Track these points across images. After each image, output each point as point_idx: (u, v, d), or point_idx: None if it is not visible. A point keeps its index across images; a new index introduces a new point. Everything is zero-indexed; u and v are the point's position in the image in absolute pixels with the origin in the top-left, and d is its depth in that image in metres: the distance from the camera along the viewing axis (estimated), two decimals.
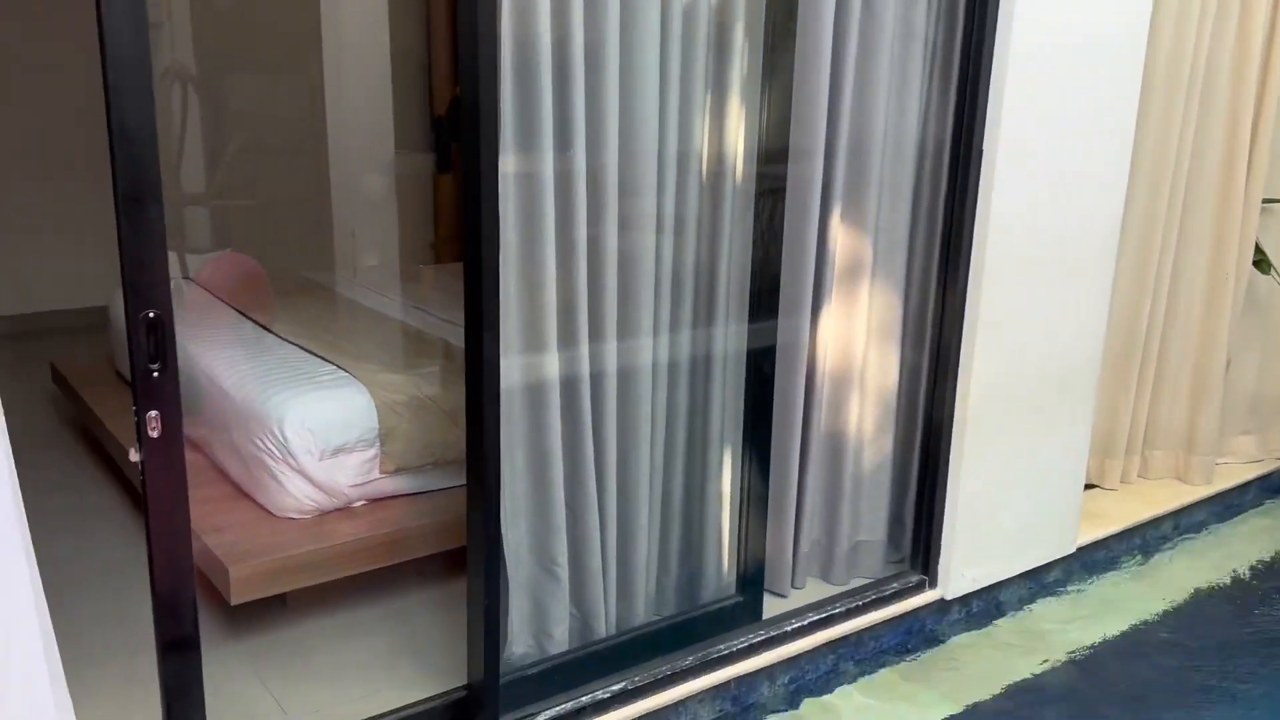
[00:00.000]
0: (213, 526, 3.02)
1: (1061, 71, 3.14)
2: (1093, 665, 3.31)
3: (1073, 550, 3.72)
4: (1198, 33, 3.76)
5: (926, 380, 3.31)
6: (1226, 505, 4.38)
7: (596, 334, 2.60)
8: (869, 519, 3.36)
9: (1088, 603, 3.68)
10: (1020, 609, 3.61)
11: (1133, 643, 3.45)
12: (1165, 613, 3.64)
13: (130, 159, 1.79)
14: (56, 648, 1.83)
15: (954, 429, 3.26)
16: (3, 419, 1.71)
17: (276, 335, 3.74)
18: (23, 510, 1.69)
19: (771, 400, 2.97)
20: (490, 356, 2.30)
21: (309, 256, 5.07)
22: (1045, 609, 3.63)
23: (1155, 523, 4.09)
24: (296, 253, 5.12)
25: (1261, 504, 4.54)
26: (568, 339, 2.54)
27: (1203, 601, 3.74)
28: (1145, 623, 3.57)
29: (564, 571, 2.69)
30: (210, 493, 3.25)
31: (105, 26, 1.74)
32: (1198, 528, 4.26)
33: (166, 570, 2.01)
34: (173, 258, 4.92)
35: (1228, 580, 3.89)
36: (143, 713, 2.35)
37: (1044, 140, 3.15)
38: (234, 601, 2.81)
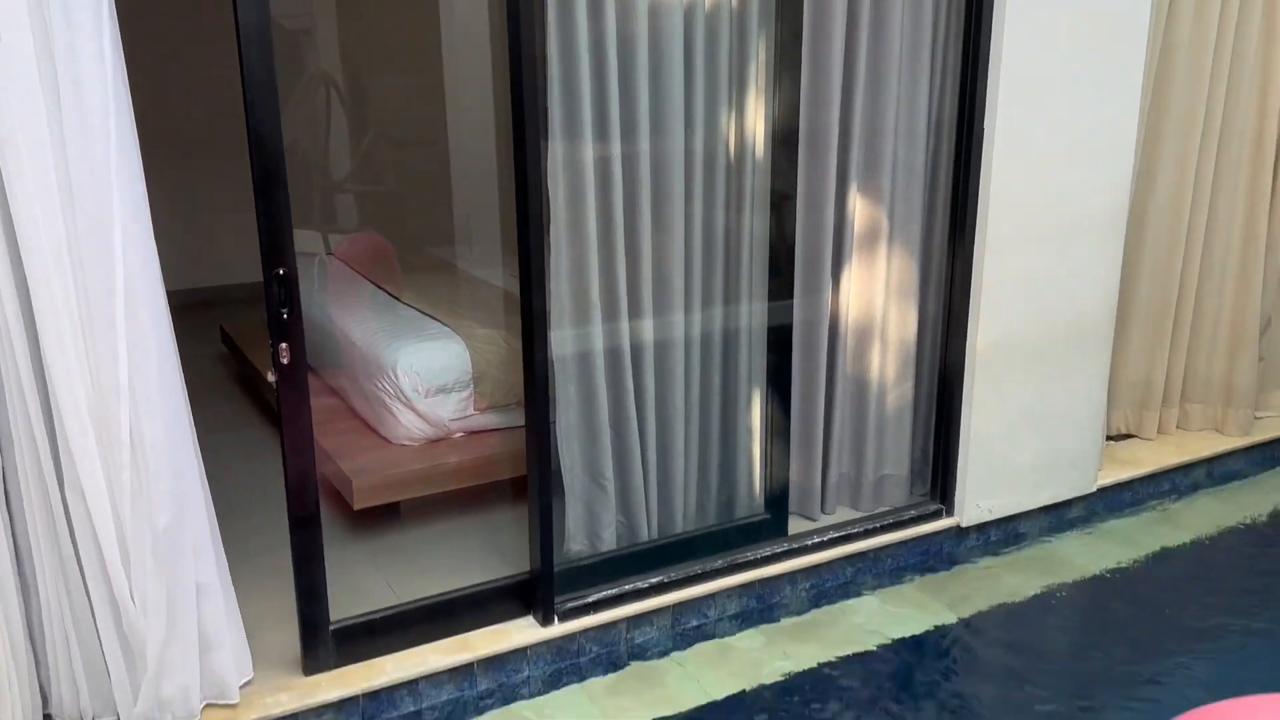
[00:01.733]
0: (343, 452, 3.77)
1: (1060, 44, 3.52)
2: (1101, 587, 3.70)
3: (1093, 490, 4.09)
4: None
5: (940, 332, 3.76)
6: (1267, 456, 4.61)
7: (634, 286, 3.18)
8: (893, 455, 3.84)
9: (1106, 537, 4.05)
10: (1039, 539, 4.01)
11: (1145, 572, 3.81)
12: (1183, 546, 3.97)
13: (263, 154, 2.48)
14: (221, 543, 2.57)
15: (965, 376, 3.71)
16: (178, 364, 2.44)
17: (400, 300, 4.48)
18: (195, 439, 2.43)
19: (790, 347, 3.49)
20: (538, 305, 2.93)
21: (432, 234, 5.82)
22: (1063, 541, 4.02)
23: (1186, 469, 4.38)
24: (422, 231, 5.90)
25: None
26: (609, 290, 3.14)
27: (1225, 539, 4.04)
28: (1161, 554, 3.91)
29: (610, 485, 3.30)
30: (342, 427, 4.01)
31: (242, 50, 2.41)
32: (1233, 476, 4.52)
33: (296, 465, 2.72)
34: (318, 237, 5.78)
35: (1256, 522, 4.16)
36: (284, 584, 3.07)
37: (1042, 114, 3.54)
38: (356, 506, 3.55)
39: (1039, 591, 3.65)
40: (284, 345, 2.57)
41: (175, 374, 2.47)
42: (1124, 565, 3.82)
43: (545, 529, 3.11)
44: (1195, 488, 4.41)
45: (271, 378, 2.60)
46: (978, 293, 3.62)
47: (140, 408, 2.39)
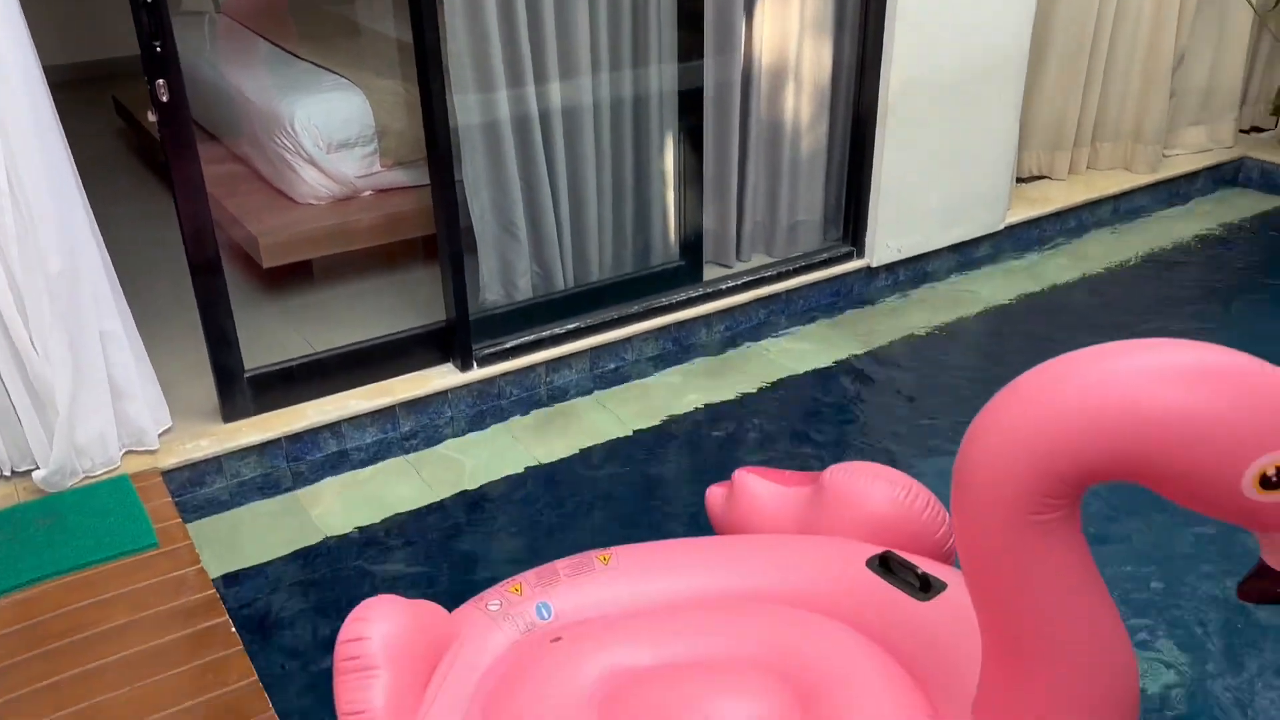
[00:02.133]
0: (250, 214, 3.68)
1: None
2: (1003, 317, 3.84)
3: (1001, 228, 4.18)
4: None
5: (854, 74, 3.70)
6: (1173, 193, 4.73)
7: (537, 48, 3.06)
8: (807, 200, 3.86)
9: (1011, 273, 4.17)
10: (947, 278, 4.13)
11: (1044, 303, 3.95)
12: (1087, 276, 4.11)
13: None
14: (122, 295, 2.52)
15: (878, 117, 3.68)
16: (55, 114, 2.32)
17: (295, 55, 4.26)
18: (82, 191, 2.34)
19: (702, 92, 3.42)
20: (431, 43, 2.80)
21: None
22: (970, 278, 4.14)
23: (1093, 207, 4.48)
24: None
25: (1212, 192, 4.86)
26: (511, 45, 3.02)
27: (1128, 269, 4.19)
28: (1065, 284, 4.05)
29: (523, 234, 3.29)
30: (248, 189, 3.89)
31: None
32: (1138, 213, 4.64)
33: (189, 209, 2.65)
34: None
35: (1157, 252, 4.30)
36: (198, 340, 3.05)
37: None
38: (266, 265, 3.51)
39: (943, 324, 3.78)
40: (160, 82, 2.44)
41: (52, 121, 2.35)
42: (1025, 298, 3.96)
43: (458, 278, 3.11)
44: (1101, 224, 4.53)
45: (152, 117, 2.49)
46: (891, 31, 3.55)
47: (17, 156, 2.29)
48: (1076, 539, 1.39)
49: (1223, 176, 4.88)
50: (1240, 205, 4.73)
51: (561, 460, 3.03)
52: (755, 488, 2.14)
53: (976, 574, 1.45)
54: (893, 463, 2.87)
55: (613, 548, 2.04)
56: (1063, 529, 1.36)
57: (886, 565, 1.86)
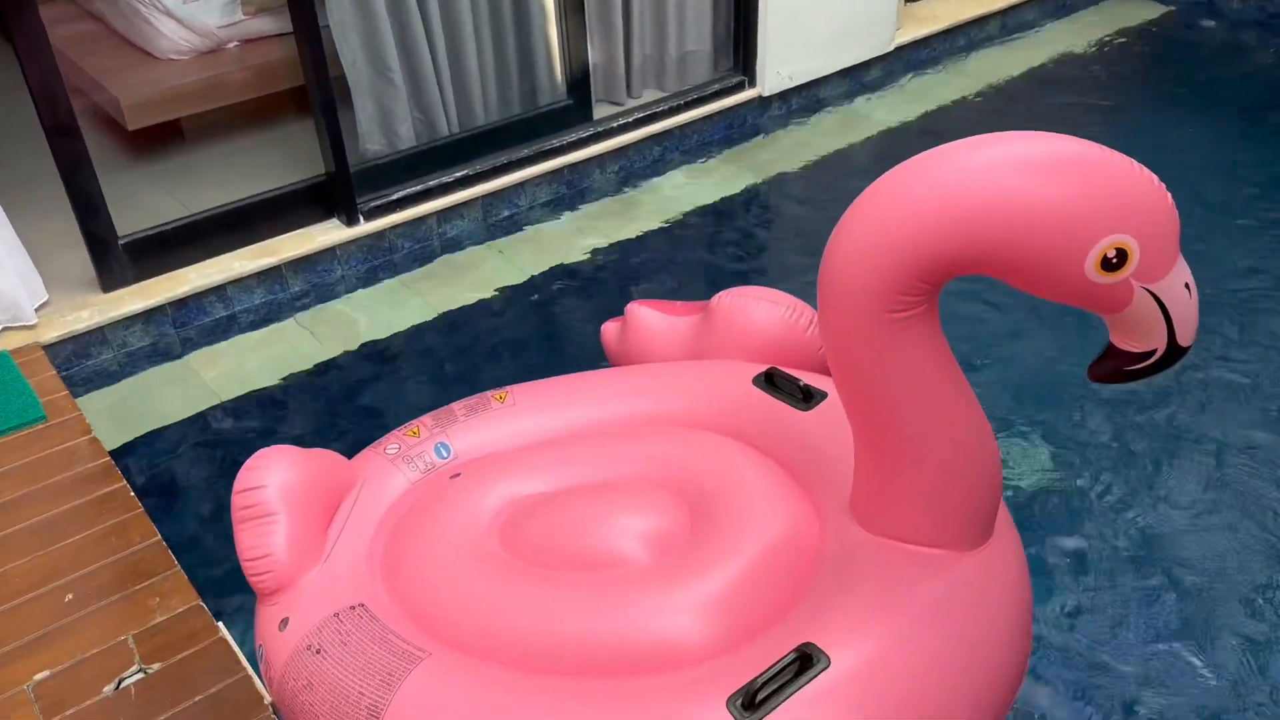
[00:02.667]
0: (109, 73, 3.46)
1: None
2: (896, 139, 3.86)
3: (890, 49, 4.15)
4: None
5: None
6: (1060, 5, 4.73)
7: None
8: (695, 31, 3.77)
9: (902, 95, 4.17)
10: (840, 104, 4.11)
11: (940, 120, 3.97)
12: (979, 93, 4.13)
13: None
14: None
15: None
16: None
17: None
18: None
19: None
20: None
21: None
22: (863, 102, 4.13)
23: (981, 23, 4.47)
24: None
25: (1097, 2, 4.87)
26: None
27: (1019, 83, 4.21)
28: (956, 103, 4.06)
29: (399, 78, 3.16)
30: (104, 48, 3.65)
31: None
32: (1028, 26, 4.64)
33: (35, 69, 2.49)
34: None
35: (1046, 64, 4.33)
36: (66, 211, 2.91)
37: None
38: (131, 127, 3.33)
39: (837, 150, 3.79)
40: None
41: None
42: (918, 119, 3.97)
43: (333, 128, 3.00)
44: (990, 40, 4.53)
45: None
46: None
47: None
48: (935, 335, 1.44)
49: None
50: (1123, 14, 4.76)
51: (459, 309, 3.01)
52: (647, 319, 2.16)
53: (842, 373, 1.50)
54: (795, 290, 2.93)
55: (509, 386, 2.05)
56: (921, 325, 1.41)
57: (771, 381, 1.91)
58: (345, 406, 2.66)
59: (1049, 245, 1.27)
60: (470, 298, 3.06)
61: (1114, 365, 1.40)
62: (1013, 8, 4.54)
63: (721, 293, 2.08)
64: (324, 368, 2.81)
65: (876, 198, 1.37)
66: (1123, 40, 4.54)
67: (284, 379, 2.76)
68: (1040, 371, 2.60)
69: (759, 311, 2.03)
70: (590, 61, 3.53)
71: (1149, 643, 1.91)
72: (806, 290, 2.98)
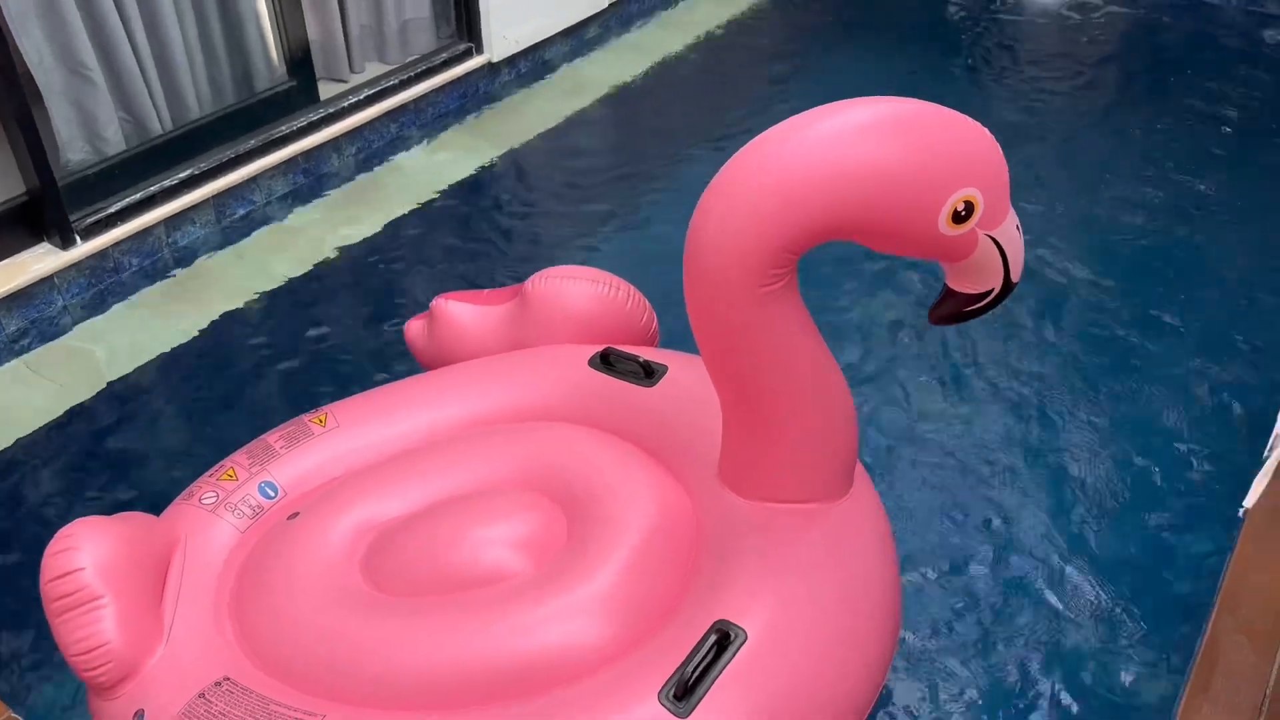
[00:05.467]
0: None
1: None
2: (628, 95, 3.90)
3: (607, 5, 4.17)
4: None
5: None
6: None
7: None
8: None
9: (624, 51, 4.22)
10: (566, 64, 4.09)
11: (664, 72, 4.05)
12: (695, 42, 4.25)
13: None
14: None
15: None
16: None
17: None
18: None
19: None
20: None
21: None
22: (587, 61, 4.13)
23: None
24: None
25: None
26: None
27: (735, 26, 4.37)
28: (676, 55, 4.16)
29: (97, 74, 2.79)
30: None
31: None
32: None
33: None
34: None
35: (741, 15, 4.52)
36: None
37: None
38: None
39: (575, 111, 3.78)
40: None
41: None
42: (644, 73, 4.03)
43: (30, 137, 2.61)
44: None
45: None
46: None
47: None
48: (798, 302, 1.48)
49: None
50: None
51: (211, 326, 2.75)
52: (457, 313, 2.06)
53: (712, 348, 1.52)
54: (582, 258, 2.91)
55: (327, 406, 1.90)
56: (786, 296, 1.44)
57: (608, 361, 1.89)
58: (106, 456, 2.36)
59: (906, 204, 1.33)
60: (220, 311, 2.80)
61: (954, 307, 1.50)
62: None
63: (534, 276, 2.02)
64: (69, 416, 2.47)
65: (735, 176, 1.38)
66: None
67: (22, 438, 2.39)
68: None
69: (577, 291, 1.99)
70: (308, 37, 3.28)
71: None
72: (593, 256, 2.99)
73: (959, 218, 1.34)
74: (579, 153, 3.56)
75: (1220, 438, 2.33)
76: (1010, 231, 1.41)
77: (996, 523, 2.16)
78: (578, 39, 4.13)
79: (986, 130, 1.36)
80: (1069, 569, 2.05)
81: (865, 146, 1.32)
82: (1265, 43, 4.19)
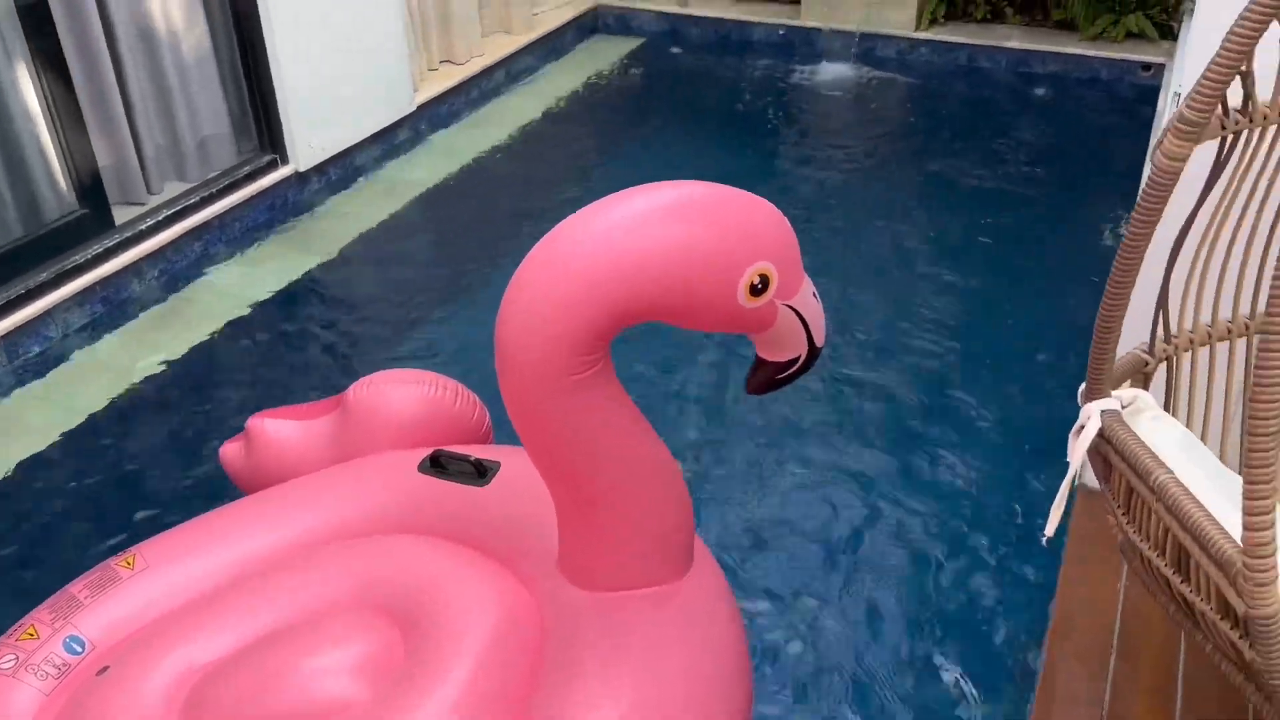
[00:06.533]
0: None
1: None
2: (440, 195, 3.90)
3: (413, 109, 4.19)
4: None
5: None
6: (551, 49, 5.07)
7: None
8: (208, 112, 3.51)
9: (437, 151, 4.23)
10: (378, 168, 4.07)
11: (475, 171, 4.08)
12: (501, 142, 4.30)
13: None
14: None
15: (260, 11, 3.43)
16: None
17: None
18: None
19: (47, 4, 2.90)
20: None
21: None
22: (400, 164, 4.13)
23: (489, 73, 4.66)
24: None
25: (583, 41, 5.30)
26: None
27: (535, 126, 4.45)
28: (486, 153, 4.20)
29: None
30: None
31: None
32: (530, 72, 4.92)
33: None
34: None
35: (554, 105, 4.62)
36: None
37: None
38: None
39: (389, 216, 3.75)
40: None
41: None
42: (455, 174, 4.05)
43: None
44: (500, 90, 4.73)
45: None
46: None
47: None
48: (615, 385, 1.48)
49: (585, 26, 5.34)
50: (606, 51, 5.23)
51: (8, 475, 2.55)
52: (275, 431, 1.97)
53: (533, 442, 1.50)
54: (388, 360, 2.86)
55: (135, 547, 1.77)
56: (601, 380, 1.44)
57: (438, 464, 1.84)
58: None
59: (704, 282, 1.36)
60: (17, 458, 2.60)
61: (766, 375, 1.54)
62: (512, 56, 4.78)
63: (355, 384, 1.97)
64: None
65: (536, 267, 1.38)
66: (611, 72, 4.98)
67: None
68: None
69: (401, 395, 1.94)
70: (98, 163, 3.15)
71: None
72: (419, 357, 2.94)
73: (756, 291, 1.39)
74: (397, 255, 3.53)
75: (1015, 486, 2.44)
76: (808, 299, 1.46)
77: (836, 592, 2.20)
78: (387, 143, 4.12)
79: (773, 206, 1.42)
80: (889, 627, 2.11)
81: (660, 230, 1.35)
82: (1034, 98, 4.58)
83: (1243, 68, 1.11)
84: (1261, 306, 1.14)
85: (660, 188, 1.39)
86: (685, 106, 4.66)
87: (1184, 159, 1.11)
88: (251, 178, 3.58)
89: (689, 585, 1.64)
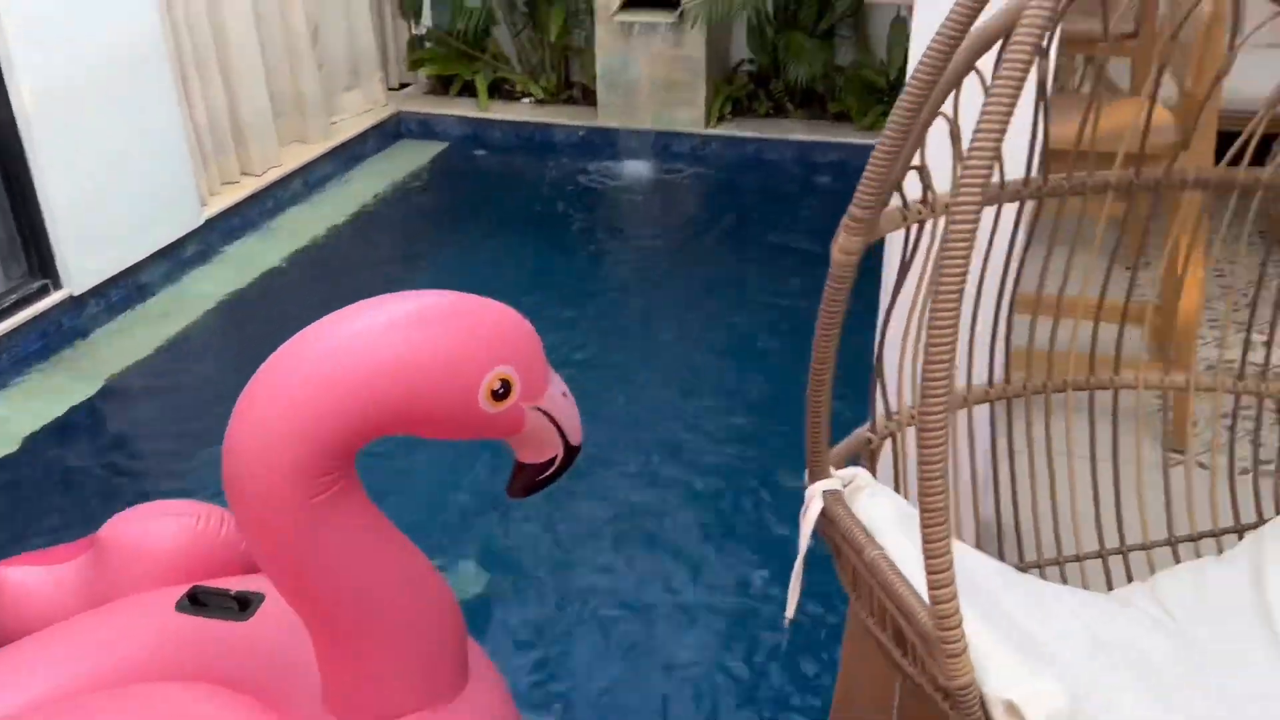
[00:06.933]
0: None
1: None
2: (233, 309, 3.77)
3: (201, 223, 4.06)
4: None
5: None
6: (350, 156, 5.03)
7: None
8: None
9: (228, 264, 4.10)
10: (165, 285, 3.90)
11: (268, 283, 3.97)
12: (297, 252, 4.21)
13: None
14: None
15: (21, 132, 3.28)
16: None
17: None
18: None
19: None
20: None
21: None
22: (190, 279, 3.97)
23: (285, 183, 4.58)
24: None
25: (384, 149, 5.29)
26: None
27: (333, 235, 4.38)
28: (280, 265, 4.10)
29: None
30: None
31: None
32: (327, 180, 4.86)
33: None
34: None
35: (351, 215, 4.57)
36: None
37: None
38: None
39: (177, 333, 3.59)
40: None
41: None
42: (247, 286, 3.93)
43: None
44: (297, 199, 4.64)
45: None
46: (5, 43, 3.16)
47: None
48: (362, 501, 1.43)
49: (388, 132, 5.33)
50: (409, 156, 5.23)
51: None
52: (18, 579, 1.81)
53: (275, 572, 1.42)
54: (169, 488, 2.70)
55: None
56: (344, 500, 1.39)
57: (197, 600, 1.73)
58: None
59: (443, 392, 1.34)
60: None
61: (526, 478, 1.52)
62: (308, 165, 4.72)
63: (110, 520, 1.84)
64: None
65: (263, 391, 1.33)
66: (415, 178, 4.99)
67: None
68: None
69: (160, 530, 1.82)
70: None
71: None
72: (199, 484, 2.79)
73: (499, 395, 1.38)
74: (182, 376, 3.38)
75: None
76: (556, 399, 1.46)
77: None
78: (174, 259, 3.97)
79: (513, 310, 1.42)
80: None
81: (396, 339, 1.33)
82: (818, 186, 4.83)
83: (916, 162, 1.20)
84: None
85: (393, 298, 1.37)
86: (490, 208, 4.70)
87: (857, 252, 1.19)
88: (20, 305, 3.38)
89: (466, 703, 1.58)
